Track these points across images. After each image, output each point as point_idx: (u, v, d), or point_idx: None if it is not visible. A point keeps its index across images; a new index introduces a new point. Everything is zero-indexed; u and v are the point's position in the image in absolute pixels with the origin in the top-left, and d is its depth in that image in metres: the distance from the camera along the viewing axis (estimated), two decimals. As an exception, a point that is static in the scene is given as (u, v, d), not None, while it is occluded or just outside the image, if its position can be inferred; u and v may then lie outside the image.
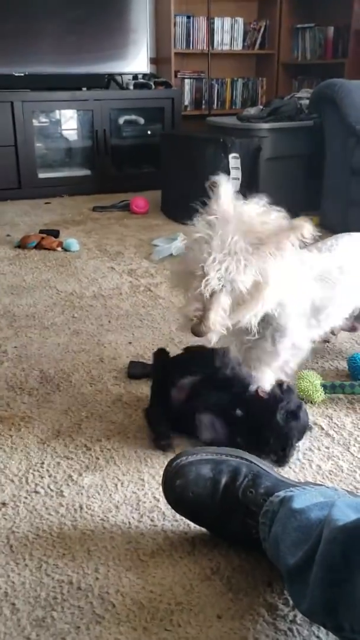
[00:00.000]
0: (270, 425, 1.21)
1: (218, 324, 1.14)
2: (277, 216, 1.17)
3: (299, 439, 1.25)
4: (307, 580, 0.77)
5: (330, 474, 1.22)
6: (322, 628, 0.88)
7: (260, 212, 1.17)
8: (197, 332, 1.15)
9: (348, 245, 1.49)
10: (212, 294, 1.12)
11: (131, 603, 0.92)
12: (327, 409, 1.45)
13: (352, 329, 1.69)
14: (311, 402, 1.45)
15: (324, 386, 1.48)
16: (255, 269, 1.13)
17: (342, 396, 1.50)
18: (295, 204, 3.39)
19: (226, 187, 1.19)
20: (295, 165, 3.40)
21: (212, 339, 1.17)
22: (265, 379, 1.34)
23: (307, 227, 1.15)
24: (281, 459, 1.23)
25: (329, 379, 1.57)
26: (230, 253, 1.11)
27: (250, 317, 1.18)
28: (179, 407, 1.33)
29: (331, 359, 1.70)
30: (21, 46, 3.84)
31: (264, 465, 1.06)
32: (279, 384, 1.28)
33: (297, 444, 1.24)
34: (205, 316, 1.13)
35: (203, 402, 1.30)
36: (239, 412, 1.26)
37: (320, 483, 1.14)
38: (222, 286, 1.12)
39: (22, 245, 2.81)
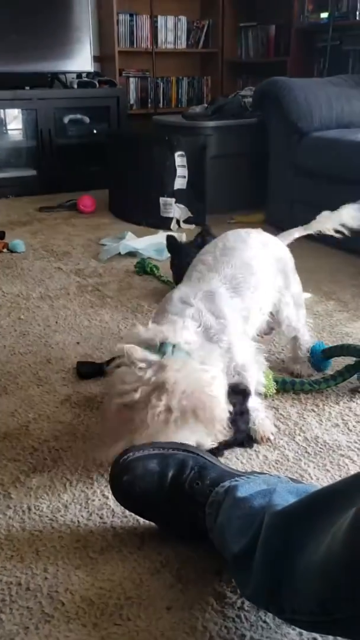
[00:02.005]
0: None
1: None
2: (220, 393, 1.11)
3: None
4: (251, 566, 0.79)
5: (277, 464, 1.25)
6: (268, 614, 0.90)
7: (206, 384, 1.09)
8: None
9: (237, 242, 1.43)
10: None
11: (80, 600, 0.92)
12: (273, 400, 1.48)
13: (267, 333, 1.64)
14: (265, 396, 1.48)
15: (276, 381, 1.51)
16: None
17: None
18: (241, 202, 3.46)
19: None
20: (240, 162, 3.44)
21: None
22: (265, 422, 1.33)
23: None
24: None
25: (286, 371, 1.62)
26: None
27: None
28: None
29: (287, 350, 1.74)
30: None
31: (210, 457, 1.08)
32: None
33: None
34: None
35: None
36: None
37: (265, 472, 1.16)
38: None
39: (-34, 247, 2.76)
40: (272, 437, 1.32)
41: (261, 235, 1.50)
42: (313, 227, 1.67)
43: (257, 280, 1.37)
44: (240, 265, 1.35)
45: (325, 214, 1.66)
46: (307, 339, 1.62)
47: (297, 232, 1.68)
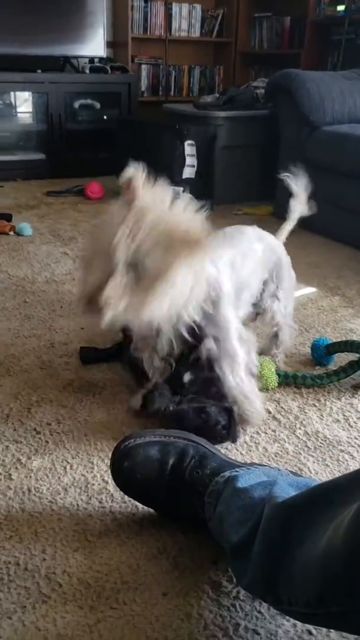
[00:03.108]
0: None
1: (115, 297, 1.03)
2: (195, 220, 1.11)
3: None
4: (249, 556, 0.79)
5: (276, 456, 1.25)
6: (263, 604, 0.91)
7: (181, 213, 1.10)
8: (92, 305, 1.05)
9: (236, 233, 1.50)
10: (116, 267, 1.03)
11: (78, 583, 0.93)
12: (274, 393, 1.49)
13: (252, 319, 1.65)
14: (265, 389, 1.48)
15: (278, 374, 1.51)
16: (165, 257, 1.05)
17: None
18: (250, 193, 3.45)
19: (138, 178, 1.12)
20: (250, 154, 3.43)
21: (106, 316, 1.03)
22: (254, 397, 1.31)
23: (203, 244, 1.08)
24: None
25: (289, 365, 1.62)
26: (143, 234, 1.04)
27: (151, 313, 1.07)
28: None
29: (293, 345, 1.73)
30: (-26, 25, 3.75)
31: (211, 447, 1.08)
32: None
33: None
34: (102, 288, 1.02)
35: None
36: (187, 377, 1.27)
37: (264, 464, 1.17)
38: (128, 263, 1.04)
39: (-27, 228, 2.76)
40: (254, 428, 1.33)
41: (258, 231, 1.54)
42: (295, 216, 1.71)
43: (250, 268, 1.42)
44: (238, 252, 1.40)
45: (294, 201, 1.71)
46: (286, 339, 1.61)
47: (287, 226, 1.71)
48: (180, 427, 1.16)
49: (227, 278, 1.31)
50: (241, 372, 1.30)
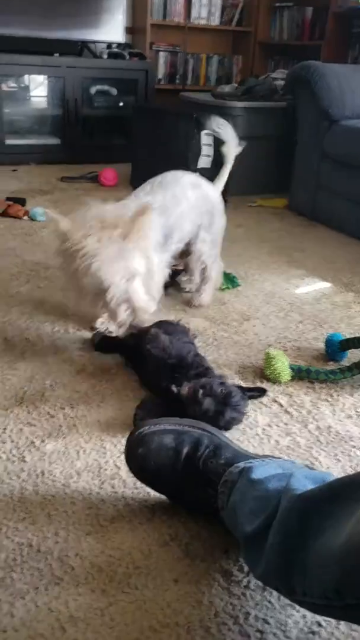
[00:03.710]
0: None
1: (147, 307, 1.43)
2: (124, 210, 1.47)
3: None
4: (263, 546, 0.80)
5: (288, 449, 1.26)
6: (273, 594, 0.92)
7: (113, 211, 1.46)
8: (140, 323, 1.44)
9: (172, 180, 1.71)
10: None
11: (90, 566, 0.94)
12: (287, 387, 1.49)
13: (181, 257, 1.85)
14: (278, 382, 1.49)
15: (291, 368, 1.51)
16: (137, 253, 1.42)
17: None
18: (265, 185, 3.44)
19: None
20: (267, 146, 3.41)
21: (147, 318, 1.45)
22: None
23: (147, 212, 1.43)
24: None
25: (302, 360, 1.62)
26: (116, 257, 1.38)
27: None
28: None
29: (306, 340, 1.74)
30: (-7, 6, 3.73)
31: (225, 437, 1.09)
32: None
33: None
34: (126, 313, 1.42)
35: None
36: (174, 388, 1.30)
37: (278, 456, 1.17)
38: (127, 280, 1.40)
39: (-13, 211, 2.76)
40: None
41: (194, 179, 1.78)
42: (231, 159, 1.98)
43: (181, 212, 1.67)
44: (170, 197, 1.66)
45: (225, 146, 1.97)
46: (213, 275, 1.89)
47: (225, 172, 1.98)
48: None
49: (156, 227, 1.57)
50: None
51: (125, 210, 1.49)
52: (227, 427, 1.26)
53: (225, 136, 1.95)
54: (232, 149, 1.96)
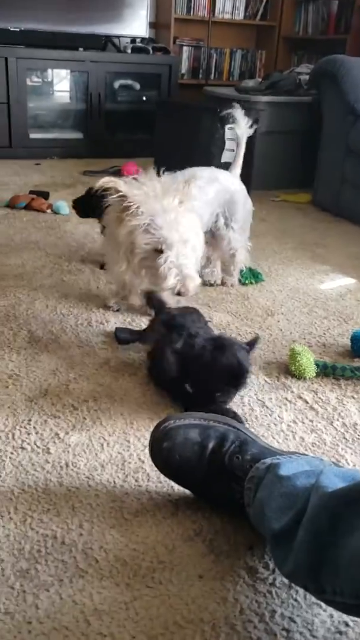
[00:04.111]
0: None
1: (195, 276, 1.47)
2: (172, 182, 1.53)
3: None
4: (292, 544, 0.79)
5: (313, 446, 1.24)
6: (300, 592, 0.90)
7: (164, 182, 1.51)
8: (185, 292, 1.46)
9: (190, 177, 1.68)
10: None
11: (114, 559, 0.93)
12: (312, 383, 1.47)
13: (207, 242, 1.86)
14: (303, 378, 1.47)
15: (316, 364, 1.49)
16: (192, 221, 1.52)
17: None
18: (289, 180, 3.41)
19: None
20: (290, 140, 3.38)
21: (193, 289, 1.47)
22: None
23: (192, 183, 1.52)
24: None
25: (327, 356, 1.60)
26: (176, 220, 1.45)
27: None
28: None
29: (331, 336, 1.72)
30: (18, 0, 3.73)
31: (251, 433, 1.07)
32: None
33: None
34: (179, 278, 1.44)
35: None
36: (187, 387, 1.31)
37: (305, 453, 1.15)
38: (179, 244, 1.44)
39: (11, 205, 2.77)
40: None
41: (211, 172, 1.86)
42: (243, 141, 2.03)
43: (200, 205, 1.71)
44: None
45: (237, 128, 2.02)
46: (242, 259, 1.99)
47: (240, 154, 2.03)
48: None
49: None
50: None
51: (176, 181, 1.55)
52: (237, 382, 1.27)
53: (239, 118, 1.99)
54: (244, 130, 2.01)
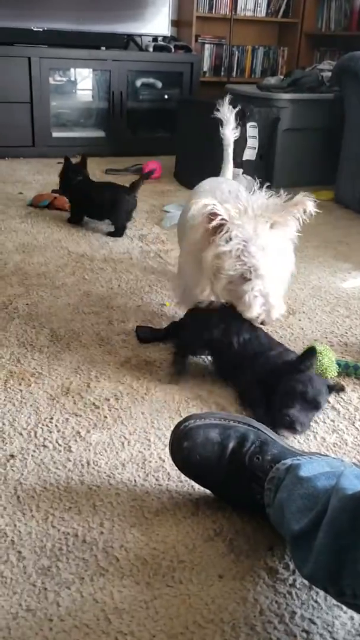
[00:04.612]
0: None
1: (281, 307, 1.38)
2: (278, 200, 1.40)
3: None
4: (312, 546, 0.78)
5: (335, 447, 1.23)
6: (320, 593, 0.90)
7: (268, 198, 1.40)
8: (269, 322, 1.39)
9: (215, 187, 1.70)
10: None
11: (135, 558, 0.94)
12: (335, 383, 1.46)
13: None
14: (324, 378, 1.46)
15: (338, 364, 1.48)
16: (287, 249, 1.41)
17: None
18: (311, 177, 3.38)
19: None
20: (313, 138, 3.35)
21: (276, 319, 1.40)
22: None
23: (308, 203, 1.37)
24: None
25: (349, 355, 1.59)
26: (271, 248, 1.34)
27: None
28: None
29: (354, 335, 1.70)
30: (41, 0, 3.76)
31: (271, 433, 1.07)
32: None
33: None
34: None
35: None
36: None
37: (325, 454, 1.15)
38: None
39: (34, 204, 2.79)
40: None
41: (234, 186, 1.74)
42: (230, 142, 2.00)
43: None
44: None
45: (224, 128, 1.99)
46: None
47: (228, 158, 2.00)
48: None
49: None
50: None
51: (272, 200, 1.41)
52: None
53: (226, 118, 1.93)
54: (231, 131, 1.97)
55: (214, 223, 1.33)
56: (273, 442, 1.04)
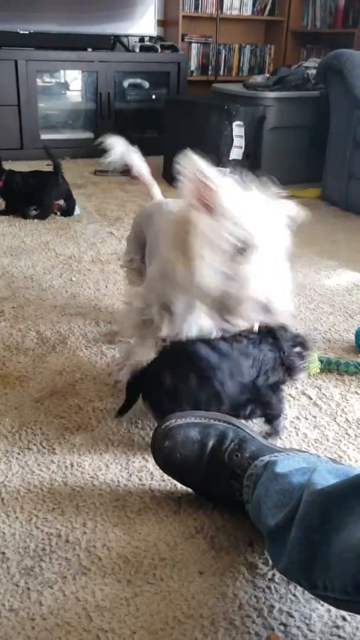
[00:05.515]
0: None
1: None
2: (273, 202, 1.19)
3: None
4: (286, 540, 0.80)
5: (316, 442, 1.25)
6: (297, 588, 0.91)
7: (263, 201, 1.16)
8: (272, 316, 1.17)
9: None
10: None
11: (117, 557, 0.96)
12: (316, 379, 1.48)
13: None
14: (307, 374, 1.48)
15: (320, 360, 1.50)
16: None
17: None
18: (297, 175, 3.40)
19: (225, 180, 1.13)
20: (299, 136, 3.37)
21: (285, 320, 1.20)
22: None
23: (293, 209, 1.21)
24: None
25: (332, 352, 1.61)
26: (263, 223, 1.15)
27: None
28: None
29: (337, 331, 1.72)
30: (27, 3, 3.76)
31: (250, 430, 1.09)
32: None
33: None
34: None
35: None
36: None
37: (304, 450, 1.17)
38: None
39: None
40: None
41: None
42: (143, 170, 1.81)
43: None
44: None
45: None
46: None
47: (151, 182, 1.80)
48: None
49: None
50: None
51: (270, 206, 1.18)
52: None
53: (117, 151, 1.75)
54: (135, 160, 1.81)
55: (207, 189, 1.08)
56: (252, 440, 1.05)
